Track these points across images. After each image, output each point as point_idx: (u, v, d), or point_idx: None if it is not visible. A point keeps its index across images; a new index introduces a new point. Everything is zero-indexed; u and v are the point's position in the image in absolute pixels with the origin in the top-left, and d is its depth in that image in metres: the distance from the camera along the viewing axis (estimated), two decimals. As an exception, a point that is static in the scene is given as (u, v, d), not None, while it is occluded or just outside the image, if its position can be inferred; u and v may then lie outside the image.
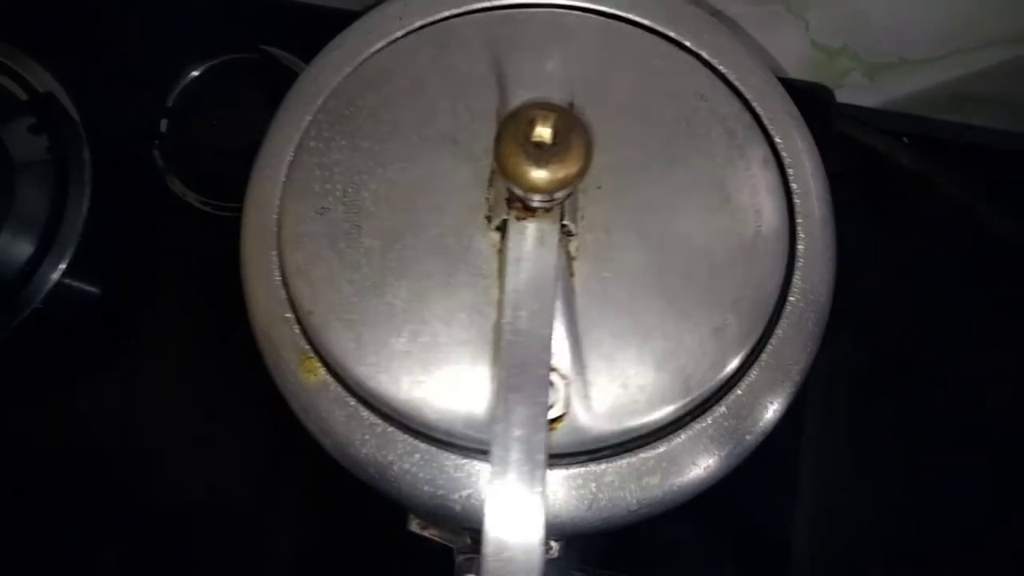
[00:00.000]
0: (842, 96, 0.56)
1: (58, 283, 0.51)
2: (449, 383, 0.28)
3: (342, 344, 0.29)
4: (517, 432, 0.24)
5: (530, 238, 0.28)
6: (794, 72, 0.57)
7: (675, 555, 0.47)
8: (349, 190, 0.30)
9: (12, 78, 0.54)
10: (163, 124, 0.54)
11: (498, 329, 0.27)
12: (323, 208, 0.30)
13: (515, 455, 0.24)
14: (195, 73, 0.54)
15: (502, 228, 0.29)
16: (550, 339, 0.26)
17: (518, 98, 0.31)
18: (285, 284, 0.30)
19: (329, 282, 0.29)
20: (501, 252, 0.29)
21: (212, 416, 0.51)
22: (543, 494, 0.24)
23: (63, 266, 0.51)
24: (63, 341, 0.54)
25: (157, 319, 0.54)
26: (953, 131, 0.60)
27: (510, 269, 0.27)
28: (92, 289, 0.54)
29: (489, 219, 0.29)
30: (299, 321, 0.29)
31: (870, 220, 0.58)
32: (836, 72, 0.56)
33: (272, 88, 0.53)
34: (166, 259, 0.55)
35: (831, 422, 0.53)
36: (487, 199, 0.30)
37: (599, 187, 0.30)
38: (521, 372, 0.25)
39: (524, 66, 0.32)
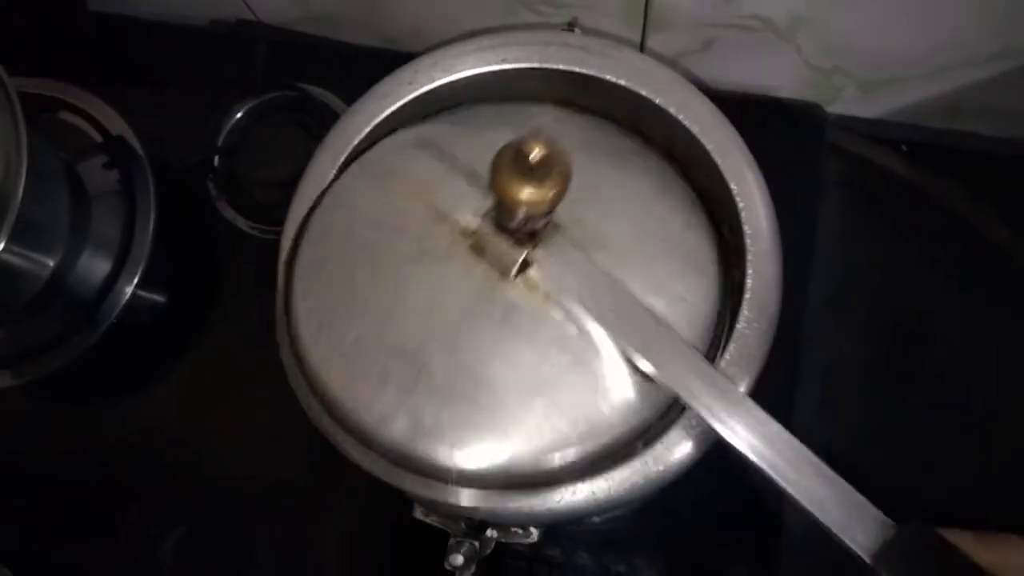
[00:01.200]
0: (841, 108, 0.59)
1: (132, 296, 0.58)
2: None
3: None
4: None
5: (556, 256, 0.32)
6: (790, 92, 0.60)
7: (665, 545, 0.51)
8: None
9: (88, 121, 0.61)
10: (215, 159, 0.60)
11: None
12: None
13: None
14: (241, 112, 0.60)
15: (523, 268, 0.33)
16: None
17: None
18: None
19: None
20: (534, 287, 0.33)
21: (263, 412, 0.56)
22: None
23: (135, 281, 0.58)
24: (137, 350, 0.61)
25: (213, 326, 0.60)
26: (948, 140, 0.61)
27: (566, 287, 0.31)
28: (160, 300, 0.61)
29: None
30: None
31: (866, 228, 0.61)
32: (830, 89, 0.58)
33: (310, 124, 0.60)
34: (220, 275, 0.61)
35: (827, 418, 0.57)
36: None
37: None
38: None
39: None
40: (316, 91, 0.60)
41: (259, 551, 0.54)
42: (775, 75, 0.59)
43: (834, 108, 0.60)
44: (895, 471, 0.54)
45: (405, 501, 0.37)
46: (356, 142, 0.39)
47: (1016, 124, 0.59)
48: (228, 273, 0.60)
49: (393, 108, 0.39)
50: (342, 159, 0.38)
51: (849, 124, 0.61)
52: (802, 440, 0.52)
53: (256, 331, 0.57)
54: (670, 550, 0.51)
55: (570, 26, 0.52)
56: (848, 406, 0.58)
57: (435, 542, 0.51)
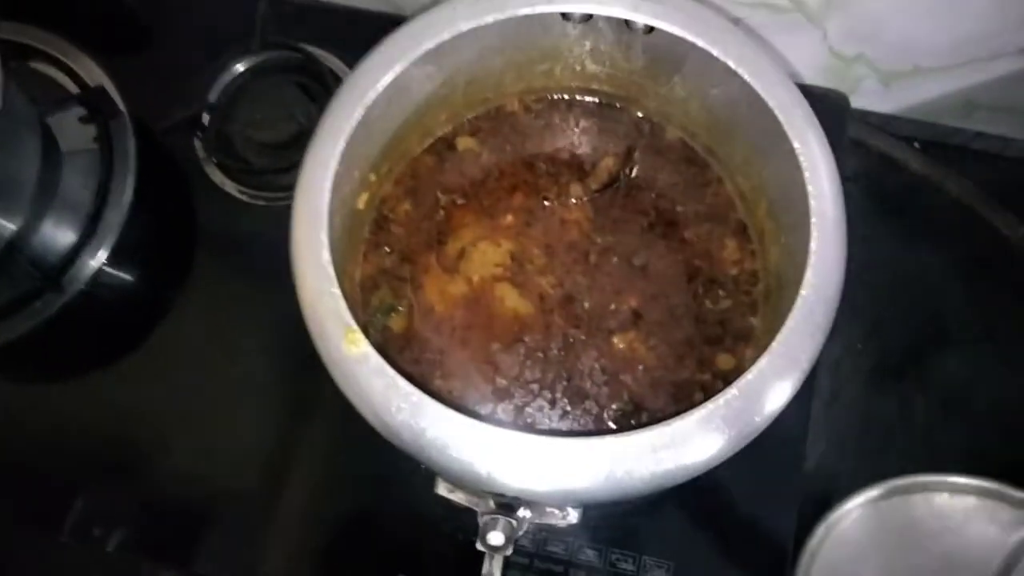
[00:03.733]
0: (856, 102, 0.58)
1: (101, 267, 0.53)
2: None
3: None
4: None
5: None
6: (810, 78, 0.58)
7: (678, 537, 0.48)
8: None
9: (64, 71, 0.56)
10: (205, 117, 0.55)
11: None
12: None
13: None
14: (238, 69, 0.56)
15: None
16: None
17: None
18: (334, 262, 0.32)
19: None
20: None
21: (244, 396, 0.52)
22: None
23: (106, 250, 0.53)
24: (106, 322, 0.56)
25: (195, 302, 0.55)
26: (963, 137, 0.61)
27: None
28: (134, 273, 0.56)
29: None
30: (345, 296, 0.32)
31: (880, 223, 0.60)
32: (851, 79, 0.58)
33: (310, 86, 0.56)
34: (205, 244, 0.56)
35: (837, 409, 0.55)
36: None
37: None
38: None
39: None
40: (318, 53, 0.56)
41: (204, 560, 0.50)
42: (796, 62, 0.57)
43: (853, 103, 0.59)
44: (899, 468, 0.52)
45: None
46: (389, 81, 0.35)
47: (1032, 124, 0.58)
48: (213, 243, 0.56)
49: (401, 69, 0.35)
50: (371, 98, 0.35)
51: (865, 118, 0.61)
52: (811, 435, 0.51)
53: (241, 309, 0.55)
54: (678, 548, 0.48)
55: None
56: (856, 402, 0.56)
57: (392, 550, 0.48)
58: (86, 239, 0.54)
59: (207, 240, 0.56)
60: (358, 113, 0.34)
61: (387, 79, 0.34)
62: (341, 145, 0.33)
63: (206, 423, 0.52)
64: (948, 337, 0.57)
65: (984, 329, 0.57)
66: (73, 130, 0.55)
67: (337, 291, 0.32)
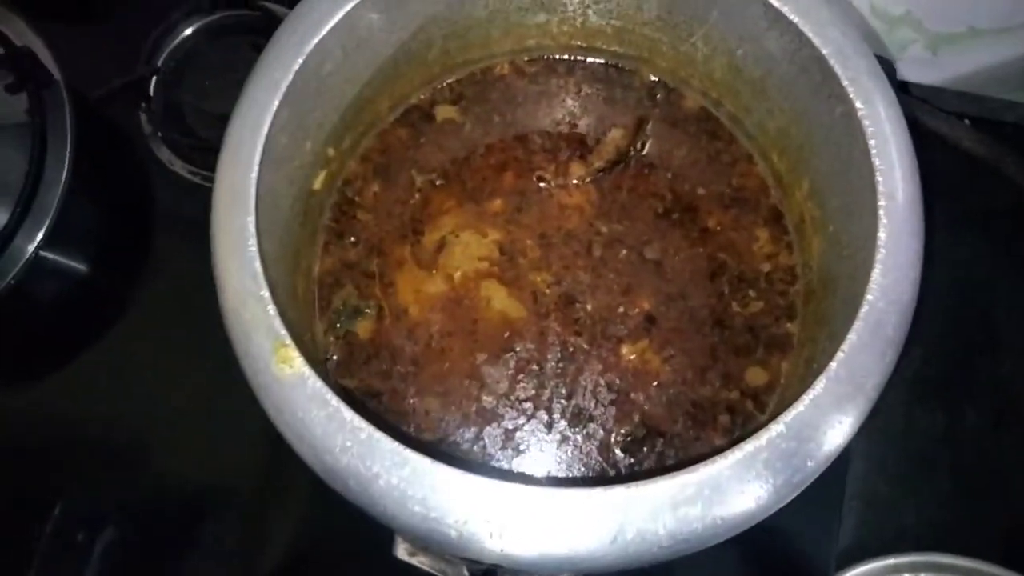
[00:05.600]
0: (901, 71, 0.52)
1: (35, 255, 0.48)
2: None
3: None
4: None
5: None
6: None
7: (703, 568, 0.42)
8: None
9: (-13, 32, 0.50)
10: (151, 86, 0.50)
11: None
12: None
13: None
14: (187, 31, 0.51)
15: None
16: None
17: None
18: (261, 255, 0.25)
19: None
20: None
21: (203, 395, 0.48)
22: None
23: (40, 237, 0.48)
24: (43, 318, 0.52)
25: (142, 295, 0.51)
26: (1020, 113, 0.54)
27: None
28: (72, 262, 0.51)
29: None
30: (274, 300, 0.25)
31: (925, 208, 0.53)
32: (896, 44, 0.51)
33: (268, 46, 0.50)
34: (152, 232, 0.52)
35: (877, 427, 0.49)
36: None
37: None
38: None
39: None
40: (279, 10, 0.51)
41: (198, 560, 0.46)
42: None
43: (897, 74, 0.52)
44: (947, 490, 0.49)
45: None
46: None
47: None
48: (161, 229, 0.52)
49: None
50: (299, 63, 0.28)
51: (909, 91, 0.54)
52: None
53: (195, 303, 0.49)
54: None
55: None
56: (894, 417, 0.51)
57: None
58: (15, 226, 0.49)
59: (161, 225, 0.52)
60: (297, 63, 0.27)
61: (334, 21, 0.28)
62: (274, 105, 0.27)
63: (176, 425, 0.48)
64: (1000, 341, 0.52)
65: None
66: (0, 100, 0.49)
67: (266, 294, 0.25)
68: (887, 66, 0.49)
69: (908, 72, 0.54)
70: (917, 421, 0.50)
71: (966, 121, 0.55)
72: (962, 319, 0.52)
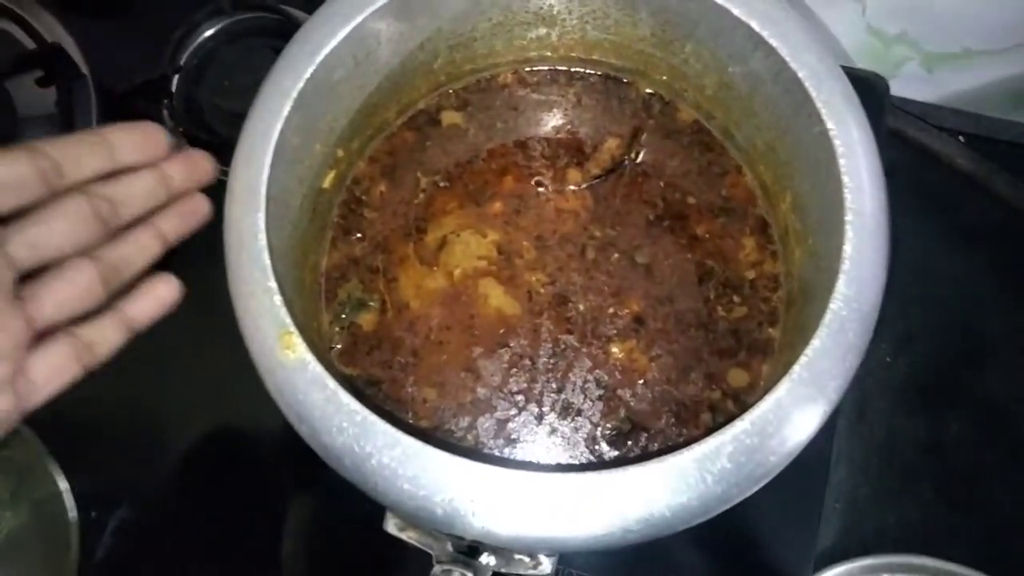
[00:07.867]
0: (894, 89, 0.52)
1: None
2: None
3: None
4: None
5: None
6: (845, 61, 0.53)
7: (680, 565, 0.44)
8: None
9: (20, 25, 0.52)
10: (173, 83, 0.51)
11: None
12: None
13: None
14: (209, 32, 0.52)
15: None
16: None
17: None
18: (270, 249, 0.27)
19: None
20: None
21: (216, 378, 0.47)
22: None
23: None
24: None
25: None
26: (1014, 132, 0.55)
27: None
28: None
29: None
30: (281, 291, 0.27)
31: (918, 223, 0.54)
32: (892, 62, 0.52)
33: (287, 49, 0.51)
34: None
35: (862, 433, 0.50)
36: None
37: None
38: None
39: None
40: (298, 15, 0.51)
41: (209, 540, 0.47)
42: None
43: (892, 90, 0.53)
44: (928, 497, 0.49)
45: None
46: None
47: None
48: None
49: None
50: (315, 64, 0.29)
51: (905, 108, 0.55)
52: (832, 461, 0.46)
53: (214, 297, 0.50)
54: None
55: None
56: (882, 424, 0.52)
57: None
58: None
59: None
60: (309, 71, 0.29)
61: (345, 31, 0.29)
62: (286, 109, 0.28)
63: (189, 406, 0.49)
64: (987, 352, 0.52)
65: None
66: (30, 93, 0.51)
67: (273, 285, 0.27)
68: (880, 83, 0.51)
69: (904, 89, 0.54)
70: (902, 429, 0.51)
71: (961, 138, 0.56)
72: (950, 332, 0.53)
